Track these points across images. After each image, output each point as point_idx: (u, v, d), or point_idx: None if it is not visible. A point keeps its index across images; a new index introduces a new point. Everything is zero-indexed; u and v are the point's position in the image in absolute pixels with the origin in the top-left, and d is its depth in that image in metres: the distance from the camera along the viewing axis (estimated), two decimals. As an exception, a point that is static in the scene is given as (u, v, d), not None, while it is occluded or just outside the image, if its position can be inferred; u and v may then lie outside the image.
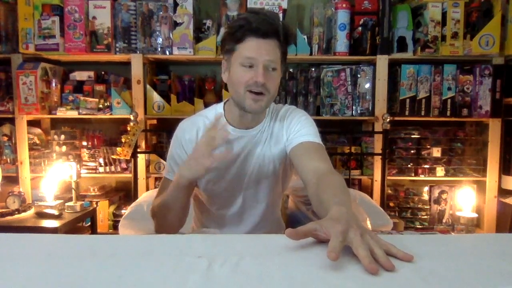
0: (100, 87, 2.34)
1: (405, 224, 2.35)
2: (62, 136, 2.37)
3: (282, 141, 1.17)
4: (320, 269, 0.58)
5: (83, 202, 2.11)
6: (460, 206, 2.31)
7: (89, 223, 2.23)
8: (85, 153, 2.36)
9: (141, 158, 2.27)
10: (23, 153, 2.29)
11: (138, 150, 2.20)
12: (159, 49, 2.24)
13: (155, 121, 2.47)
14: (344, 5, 2.22)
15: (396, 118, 2.27)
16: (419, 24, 2.24)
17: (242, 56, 1.05)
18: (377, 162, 2.27)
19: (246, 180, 1.18)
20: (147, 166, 2.32)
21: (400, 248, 0.63)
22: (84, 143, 2.38)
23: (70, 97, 2.30)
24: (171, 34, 2.22)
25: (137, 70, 2.24)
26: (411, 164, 2.36)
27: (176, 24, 2.21)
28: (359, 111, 2.31)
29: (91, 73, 2.41)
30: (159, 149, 2.43)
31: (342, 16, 2.21)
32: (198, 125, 1.18)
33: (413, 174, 2.36)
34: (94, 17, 2.21)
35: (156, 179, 2.38)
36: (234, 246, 0.70)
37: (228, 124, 1.15)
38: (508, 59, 2.23)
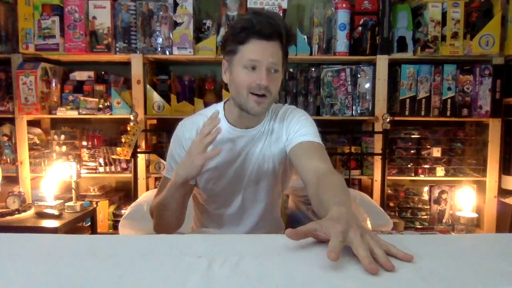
0: (100, 87, 2.34)
1: (405, 224, 2.35)
2: (62, 136, 2.37)
3: (281, 141, 1.17)
4: (320, 269, 0.58)
5: (83, 202, 2.11)
6: (460, 206, 2.31)
7: (89, 223, 2.23)
8: (85, 153, 2.36)
9: (141, 158, 2.27)
10: (23, 153, 2.29)
11: (138, 150, 2.21)
12: (159, 49, 2.24)
13: (155, 121, 2.47)
14: (344, 5, 2.22)
15: (396, 118, 2.27)
16: (419, 24, 2.24)
17: (245, 58, 1.04)
18: (377, 162, 2.27)
19: (246, 179, 1.18)
20: (147, 166, 2.32)
21: (400, 248, 0.63)
22: (84, 143, 2.38)
23: (70, 97, 2.30)
24: (171, 34, 2.22)
25: (137, 70, 2.24)
26: (411, 164, 2.36)
27: (176, 24, 2.21)
28: (359, 111, 2.31)
29: (91, 73, 2.41)
30: (159, 149, 2.43)
31: (342, 16, 2.21)
32: (198, 124, 1.18)
33: (413, 174, 2.36)
34: (94, 17, 2.21)
35: (156, 179, 2.38)
36: (234, 246, 0.70)
37: (228, 123, 1.16)
38: (508, 59, 2.23)
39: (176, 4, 2.20)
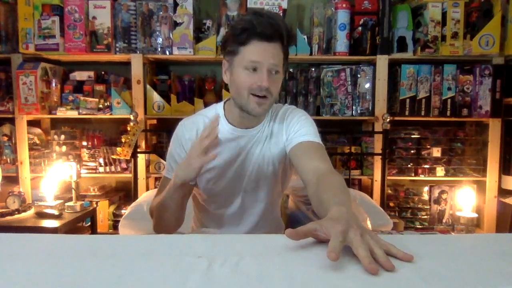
0: (100, 87, 2.34)
1: (405, 224, 2.35)
2: (62, 136, 2.37)
3: (281, 141, 1.17)
4: (320, 269, 0.58)
5: (83, 202, 2.11)
6: (460, 206, 2.31)
7: (89, 223, 2.23)
8: (85, 153, 2.36)
9: (141, 158, 2.27)
10: (23, 153, 2.29)
11: (138, 150, 2.21)
12: (159, 49, 2.24)
13: (155, 121, 2.47)
14: (344, 5, 2.22)
15: (396, 118, 2.27)
16: (419, 24, 2.24)
17: (246, 60, 1.04)
18: (377, 162, 2.27)
19: (246, 179, 1.18)
20: (147, 166, 2.32)
21: (400, 248, 0.63)
22: (84, 143, 2.38)
23: (70, 97, 2.30)
24: (171, 34, 2.22)
25: (137, 70, 2.24)
26: (411, 164, 2.36)
27: (176, 24, 2.21)
28: (359, 111, 2.31)
29: (91, 73, 2.41)
30: (159, 149, 2.43)
31: (342, 16, 2.21)
32: (198, 124, 1.18)
33: (413, 174, 2.36)
34: (94, 17, 2.21)
35: (156, 179, 2.38)
36: (234, 246, 0.70)
37: (228, 123, 1.16)
38: (508, 59, 2.23)
39: (176, 4, 2.20)
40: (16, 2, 2.20)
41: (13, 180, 2.31)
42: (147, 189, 2.30)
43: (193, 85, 2.39)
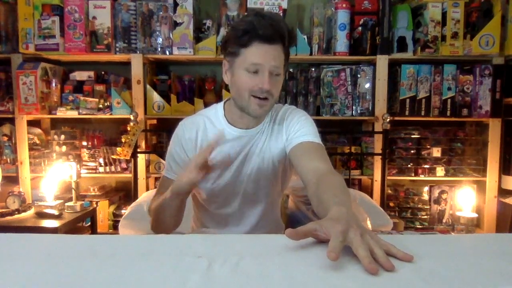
0: (100, 87, 2.34)
1: (405, 224, 2.35)
2: (62, 136, 2.37)
3: (281, 141, 1.17)
4: (320, 269, 0.58)
5: (83, 202, 2.11)
6: (460, 206, 2.31)
7: (89, 223, 2.23)
8: (85, 153, 2.36)
9: (141, 158, 2.27)
10: (23, 153, 2.29)
11: (138, 150, 2.21)
12: (159, 49, 2.24)
13: (155, 121, 2.47)
14: (344, 5, 2.22)
15: (396, 118, 2.27)
16: (419, 24, 2.24)
17: (247, 62, 1.04)
18: (377, 162, 2.27)
19: (246, 179, 1.18)
20: (147, 166, 2.32)
21: (400, 248, 0.63)
22: (84, 143, 2.38)
23: (70, 97, 2.30)
24: (171, 34, 2.22)
25: (137, 70, 2.24)
26: (411, 164, 2.36)
27: (176, 24, 2.21)
28: (359, 111, 2.31)
29: (91, 73, 2.41)
30: (159, 149, 2.43)
31: (342, 16, 2.21)
32: (198, 124, 1.18)
33: (413, 174, 2.36)
34: (94, 17, 2.21)
35: (156, 179, 2.38)
36: (234, 246, 0.70)
37: (228, 124, 1.16)
38: (508, 59, 2.23)
39: (176, 4, 2.20)
40: (16, 2, 2.20)
41: (13, 180, 2.31)
42: (147, 189, 2.30)
43: (193, 85, 2.38)
